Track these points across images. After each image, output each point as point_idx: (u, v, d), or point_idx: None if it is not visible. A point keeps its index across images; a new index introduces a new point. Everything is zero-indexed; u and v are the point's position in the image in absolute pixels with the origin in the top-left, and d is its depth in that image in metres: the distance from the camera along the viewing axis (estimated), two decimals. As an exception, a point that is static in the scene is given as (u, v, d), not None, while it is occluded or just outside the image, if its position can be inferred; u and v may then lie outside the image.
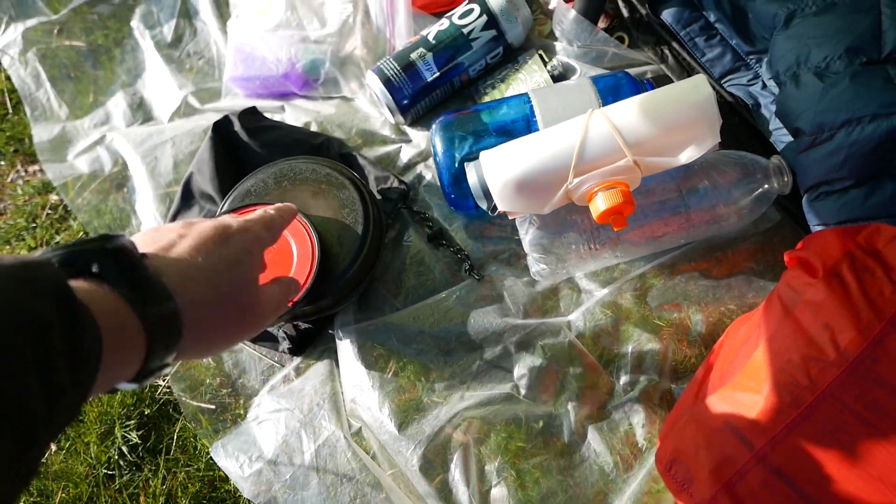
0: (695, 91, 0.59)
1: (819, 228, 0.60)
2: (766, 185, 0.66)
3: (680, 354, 0.67)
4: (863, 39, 0.55)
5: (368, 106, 0.87)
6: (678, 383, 0.66)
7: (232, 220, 0.43)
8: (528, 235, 0.67)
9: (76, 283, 0.29)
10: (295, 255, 0.66)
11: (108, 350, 0.29)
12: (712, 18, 0.73)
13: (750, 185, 0.66)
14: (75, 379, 0.26)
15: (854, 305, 0.47)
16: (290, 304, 0.64)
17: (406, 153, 0.82)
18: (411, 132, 0.84)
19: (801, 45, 0.59)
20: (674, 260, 0.71)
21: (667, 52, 0.77)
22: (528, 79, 0.80)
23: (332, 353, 0.72)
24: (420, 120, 0.84)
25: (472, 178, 0.66)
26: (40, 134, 0.95)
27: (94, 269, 0.31)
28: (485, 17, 0.79)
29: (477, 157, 0.67)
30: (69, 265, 0.31)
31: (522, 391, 0.67)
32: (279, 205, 0.51)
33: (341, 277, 0.67)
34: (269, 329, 0.73)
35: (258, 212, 0.47)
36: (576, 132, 0.61)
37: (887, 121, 0.54)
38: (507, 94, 0.80)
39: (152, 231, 0.39)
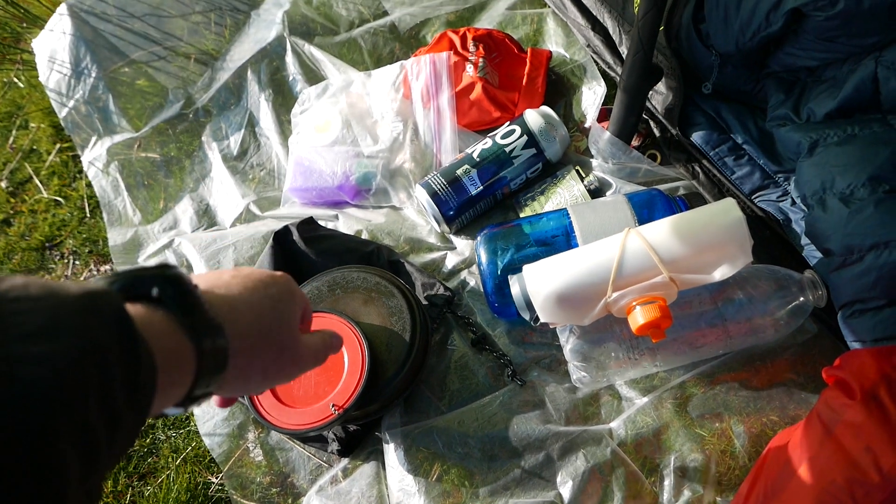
0: (725, 214, 0.63)
1: (856, 345, 0.61)
2: (802, 298, 0.68)
3: (724, 466, 0.67)
4: (884, 169, 0.59)
5: (416, 215, 0.93)
6: (723, 496, 0.66)
7: (278, 273, 0.47)
8: (568, 344, 0.70)
9: (134, 308, 0.31)
10: (346, 363, 0.70)
11: (162, 372, 0.30)
12: (740, 140, 0.78)
13: (785, 298, 0.68)
14: (133, 406, 0.28)
15: (894, 429, 0.48)
16: (339, 411, 0.68)
17: (451, 260, 0.87)
18: (456, 240, 0.89)
19: (825, 173, 0.63)
20: (713, 369, 0.72)
21: (698, 168, 0.82)
22: (567, 192, 0.85)
23: (379, 455, 0.75)
24: (464, 229, 0.90)
25: (515, 290, 0.70)
26: (115, 237, 1.04)
27: (154, 293, 0.33)
28: (525, 137, 0.86)
29: (519, 268, 0.71)
30: (130, 288, 0.33)
31: (566, 499, 0.67)
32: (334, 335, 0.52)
33: (389, 383, 0.70)
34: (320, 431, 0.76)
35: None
36: (614, 249, 0.65)
37: (914, 245, 0.56)
38: (547, 207, 0.86)
39: (206, 273, 0.43)
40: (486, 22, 1.09)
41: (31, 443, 0.22)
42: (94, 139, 1.13)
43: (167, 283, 0.34)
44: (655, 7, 0.67)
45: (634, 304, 0.63)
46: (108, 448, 0.26)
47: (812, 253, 0.70)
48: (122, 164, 1.11)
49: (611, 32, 0.90)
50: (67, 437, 0.23)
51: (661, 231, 0.65)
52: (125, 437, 0.28)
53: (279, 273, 0.46)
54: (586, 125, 0.93)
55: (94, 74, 1.14)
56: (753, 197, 0.78)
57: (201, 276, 0.41)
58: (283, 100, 1.10)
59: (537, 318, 0.68)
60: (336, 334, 0.51)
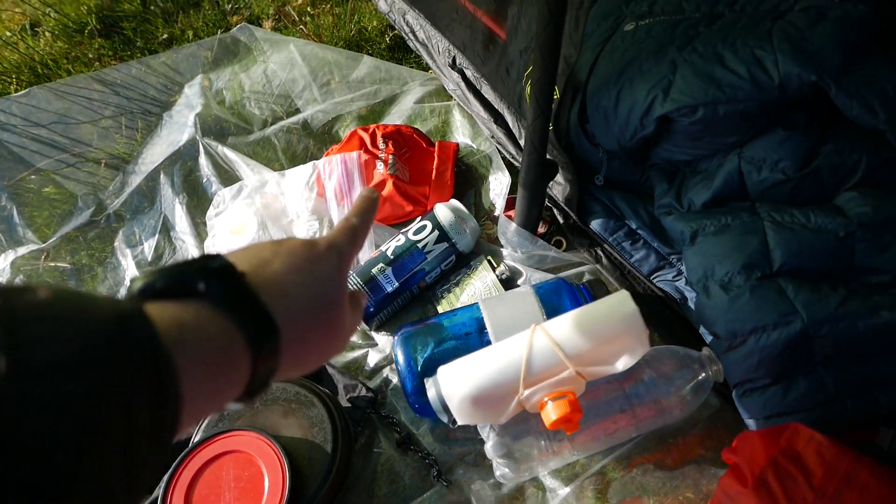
0: (621, 307, 0.67)
1: (751, 422, 0.65)
2: (703, 374, 0.72)
3: (647, 550, 0.69)
4: (754, 257, 0.65)
5: (336, 312, 0.93)
6: (649, 582, 0.67)
7: (319, 238, 0.43)
8: (489, 441, 0.71)
9: (180, 309, 0.30)
10: (266, 482, 0.68)
11: (217, 374, 0.29)
12: (634, 226, 0.83)
13: (687, 376, 0.72)
14: (156, 449, 0.25)
15: (783, 515, 0.51)
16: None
17: (373, 358, 0.88)
18: (377, 337, 0.90)
19: (706, 261, 0.68)
20: (630, 451, 0.75)
21: (600, 252, 0.87)
22: (480, 283, 0.88)
23: (306, 575, 0.72)
24: (385, 325, 0.90)
25: (431, 394, 0.71)
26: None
27: (201, 287, 0.31)
28: (437, 232, 0.89)
29: (437, 365, 0.72)
30: (174, 286, 0.31)
31: None
32: (359, 203, 0.48)
33: (312, 500, 0.69)
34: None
35: (341, 221, 0.46)
36: (522, 347, 0.68)
37: (787, 328, 0.61)
38: (462, 298, 0.88)
39: (245, 250, 0.39)
40: (396, 116, 1.14)
41: (45, 495, 0.20)
42: (-4, 253, 1.09)
43: (213, 277, 0.32)
44: (543, 114, 0.72)
45: (546, 399, 0.65)
46: (128, 494, 0.24)
47: (706, 331, 0.74)
48: (28, 277, 1.07)
49: (510, 126, 0.96)
50: (84, 488, 0.21)
51: (565, 327, 0.68)
52: (145, 482, 0.25)
53: (325, 244, 0.42)
54: (495, 214, 0.97)
55: (-4, 186, 1.11)
56: (652, 277, 0.83)
57: (240, 253, 0.38)
58: (198, 202, 1.10)
59: (455, 422, 0.69)
60: (358, 291, 0.49)
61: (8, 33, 1.48)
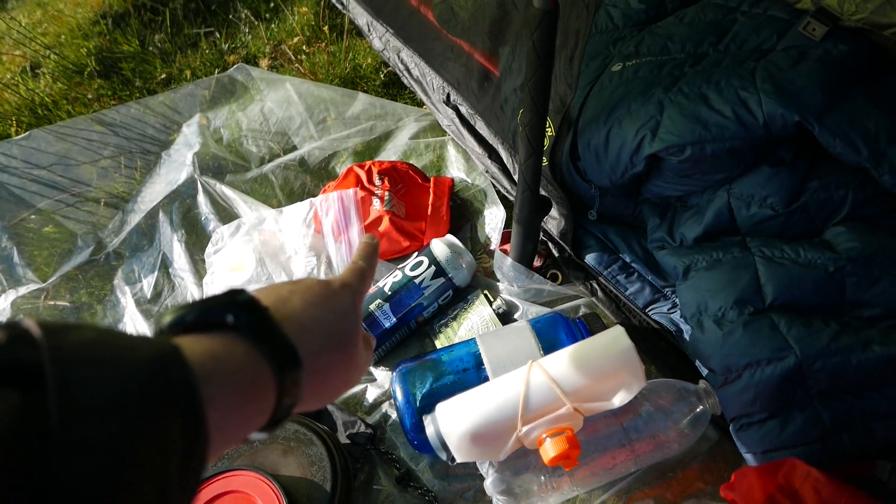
0: (616, 343, 0.67)
1: (749, 457, 0.66)
2: (700, 407, 0.72)
3: (649, 587, 0.69)
4: (746, 292, 0.66)
5: (334, 349, 0.94)
6: None
7: (332, 278, 0.45)
8: (488, 478, 0.71)
9: (211, 341, 0.31)
10: (266, 524, 0.68)
11: (246, 403, 0.30)
12: (628, 259, 0.84)
13: (685, 409, 0.72)
14: (185, 487, 0.26)
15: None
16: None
17: (371, 393, 0.88)
18: (376, 372, 0.90)
19: (699, 296, 0.69)
20: (629, 485, 0.75)
21: (596, 285, 0.88)
22: (477, 318, 0.89)
23: None
24: (384, 360, 0.91)
25: (430, 432, 0.71)
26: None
27: (229, 320, 0.33)
28: (433, 268, 0.90)
29: (436, 401, 0.72)
30: (204, 319, 0.32)
31: None
32: (362, 249, 0.50)
33: (312, 541, 0.69)
34: None
35: (349, 265, 0.49)
36: (519, 384, 0.68)
37: (781, 363, 0.62)
38: (459, 333, 0.89)
39: (264, 289, 0.41)
40: (392, 151, 1.15)
41: None
42: (-3, 293, 1.09)
43: (241, 310, 0.33)
44: (535, 153, 0.74)
45: (544, 436, 0.66)
46: None
47: (701, 365, 0.75)
48: (27, 315, 1.07)
49: (505, 161, 0.98)
50: None
51: (561, 363, 0.68)
52: None
53: (338, 283, 0.44)
54: (491, 248, 0.98)
55: (-4, 227, 1.12)
56: (647, 310, 0.84)
57: (260, 291, 0.39)
58: (197, 239, 1.10)
59: (454, 458, 0.69)
60: (368, 334, 0.51)
61: (9, 75, 1.51)
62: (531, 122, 0.69)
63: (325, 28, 1.43)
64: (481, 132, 1.03)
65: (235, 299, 0.34)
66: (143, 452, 0.23)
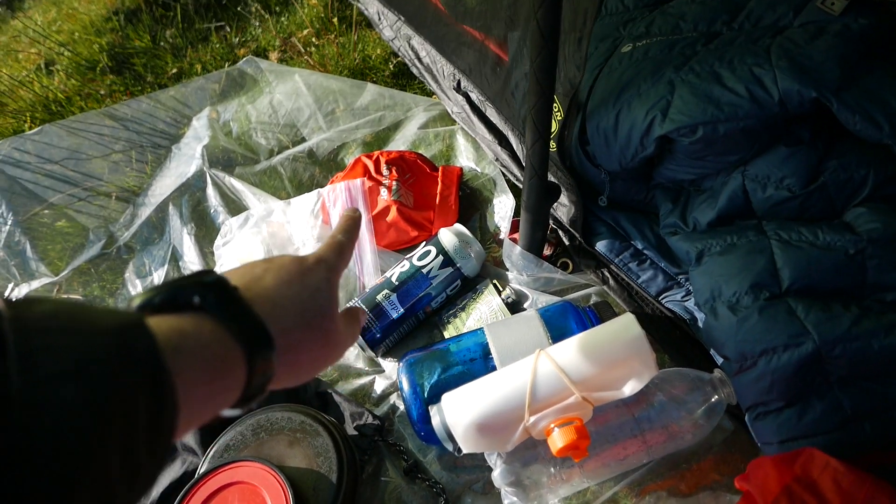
0: (626, 330, 0.65)
1: (766, 447, 0.63)
2: (716, 397, 0.70)
3: (662, 581, 0.67)
4: (762, 276, 0.63)
5: (342, 340, 0.93)
6: None
7: (307, 254, 0.45)
8: (497, 469, 0.70)
9: (178, 320, 0.31)
10: (271, 515, 0.68)
11: (213, 379, 0.31)
12: (640, 246, 0.82)
13: (699, 398, 0.70)
14: (153, 454, 0.26)
15: (799, 546, 0.49)
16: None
17: (380, 384, 0.87)
18: (384, 363, 0.89)
19: (713, 281, 0.66)
20: (642, 477, 0.73)
21: (607, 273, 0.86)
22: (486, 307, 0.87)
23: None
24: (392, 351, 0.90)
25: (436, 422, 0.70)
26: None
27: (196, 300, 0.33)
28: (441, 257, 0.88)
29: (443, 391, 0.71)
30: (172, 300, 0.33)
31: None
32: (342, 222, 0.50)
33: (318, 532, 0.68)
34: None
35: (328, 239, 0.48)
36: (527, 373, 0.66)
37: (798, 349, 0.60)
38: (468, 323, 0.87)
39: (238, 268, 0.41)
40: (401, 142, 1.14)
41: (52, 496, 0.21)
42: (10, 286, 1.10)
43: (208, 290, 0.34)
44: (541, 137, 0.72)
45: (552, 426, 0.64)
46: (126, 499, 0.25)
47: (716, 353, 0.73)
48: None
49: (514, 148, 0.96)
50: (84, 493, 0.22)
51: (569, 351, 0.66)
52: (142, 487, 0.26)
53: (313, 259, 0.44)
54: (500, 236, 0.96)
55: (9, 222, 1.13)
56: (660, 298, 0.81)
57: (233, 271, 0.40)
58: (206, 231, 1.10)
59: (460, 450, 0.68)
60: (356, 308, 0.50)
61: (24, 73, 1.52)
62: (537, 106, 0.67)
63: (335, 20, 1.42)
64: (492, 119, 1.01)
65: (203, 280, 0.34)
66: (107, 417, 0.23)
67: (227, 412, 0.35)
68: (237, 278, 0.38)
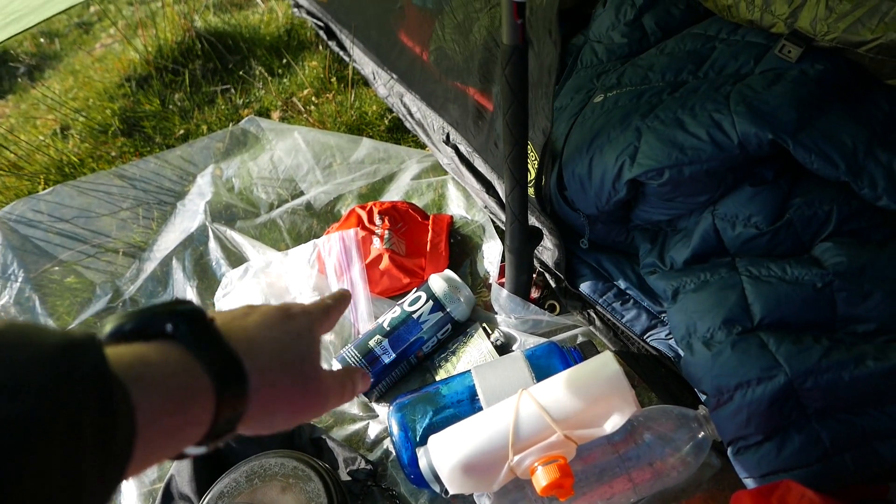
0: (604, 368, 0.67)
1: (748, 481, 0.64)
2: (702, 433, 0.71)
3: None
4: (734, 311, 0.65)
5: (337, 386, 0.95)
6: None
7: (293, 303, 0.44)
8: (484, 511, 0.70)
9: (144, 347, 0.31)
10: (261, 562, 0.68)
11: (178, 410, 0.30)
12: (623, 286, 0.84)
13: (684, 436, 0.71)
14: (104, 476, 0.25)
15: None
16: None
17: (374, 429, 0.88)
18: (378, 408, 0.90)
19: (688, 318, 0.68)
20: (632, 517, 0.73)
21: (593, 314, 0.88)
22: (475, 351, 0.89)
23: None
24: (385, 396, 0.91)
25: (422, 464, 0.71)
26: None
27: (168, 329, 0.32)
28: (431, 302, 0.91)
29: (434, 433, 0.72)
30: (145, 327, 0.32)
31: None
32: (334, 293, 0.50)
33: (308, 578, 0.68)
34: None
35: (316, 300, 0.48)
36: (509, 413, 0.68)
37: (771, 382, 0.61)
38: (459, 366, 0.89)
39: (222, 312, 0.40)
40: (395, 192, 1.19)
41: None
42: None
43: (181, 319, 0.33)
44: (519, 184, 0.76)
45: (536, 464, 0.65)
46: None
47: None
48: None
49: (501, 196, 1.00)
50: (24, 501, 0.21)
51: (551, 390, 0.68)
52: None
53: (298, 308, 0.44)
54: (490, 281, 0.99)
55: (20, 279, 1.17)
56: (645, 336, 0.83)
57: (217, 313, 0.39)
58: (208, 284, 1.14)
59: (447, 491, 0.68)
60: (361, 370, 0.49)
61: (41, 137, 1.60)
62: (512, 154, 0.71)
63: (333, 79, 1.50)
64: (479, 168, 1.05)
65: (177, 308, 0.34)
66: (45, 432, 0.23)
67: (191, 450, 0.34)
68: (219, 317, 0.38)
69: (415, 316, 0.90)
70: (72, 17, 2.36)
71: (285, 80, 1.60)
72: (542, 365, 0.78)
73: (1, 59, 2.15)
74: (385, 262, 1.00)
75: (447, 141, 1.12)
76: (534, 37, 0.69)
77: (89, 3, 2.28)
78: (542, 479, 0.64)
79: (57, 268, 1.22)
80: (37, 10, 1.37)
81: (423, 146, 1.28)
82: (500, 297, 0.90)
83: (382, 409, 0.90)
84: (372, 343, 0.89)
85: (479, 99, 1.02)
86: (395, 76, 1.26)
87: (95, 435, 0.25)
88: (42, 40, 2.24)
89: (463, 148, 1.08)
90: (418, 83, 1.19)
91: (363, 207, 1.08)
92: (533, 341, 0.88)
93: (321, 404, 0.43)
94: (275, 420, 0.39)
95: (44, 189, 1.37)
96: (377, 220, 1.05)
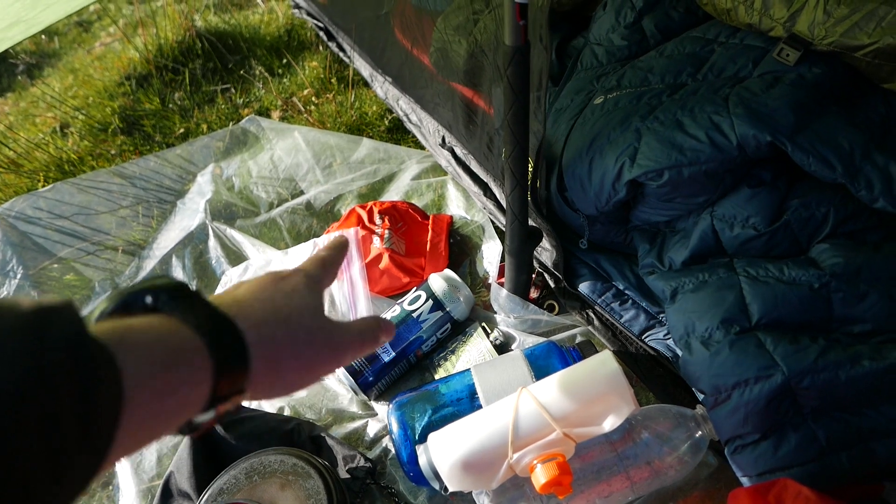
0: (603, 366, 0.68)
1: (745, 480, 0.64)
2: (699, 433, 0.71)
3: None
4: (732, 311, 0.66)
5: (337, 384, 0.95)
6: None
7: (285, 269, 0.43)
8: (483, 509, 0.71)
9: (128, 320, 0.30)
10: (261, 558, 0.69)
11: (169, 369, 0.29)
12: (621, 287, 0.85)
13: (682, 435, 0.71)
14: (85, 446, 0.24)
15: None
16: None
17: (373, 428, 0.89)
18: (377, 406, 0.91)
19: (686, 318, 0.69)
20: (629, 515, 0.73)
21: (592, 314, 0.88)
22: (475, 350, 0.90)
23: None
24: (384, 394, 0.92)
25: (422, 462, 0.71)
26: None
27: (148, 301, 0.32)
28: (431, 301, 0.91)
29: (432, 431, 0.73)
30: (128, 304, 0.31)
31: None
32: (330, 242, 0.49)
33: (307, 575, 0.69)
34: None
35: (311, 256, 0.47)
36: (509, 411, 0.68)
37: (769, 381, 0.61)
38: (458, 365, 0.89)
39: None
40: (395, 192, 1.19)
41: None
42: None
43: (161, 290, 0.32)
44: (520, 184, 0.76)
45: (535, 462, 0.66)
46: (53, 497, 0.23)
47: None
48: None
49: (498, 198, 1.00)
50: None
51: (550, 389, 0.68)
52: (73, 484, 0.24)
53: (289, 270, 0.43)
54: (489, 281, 0.99)
55: (19, 275, 1.17)
56: (643, 337, 0.83)
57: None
58: (208, 282, 1.14)
59: (446, 488, 0.69)
60: (384, 318, 0.47)
61: (40, 135, 1.60)
62: (513, 154, 0.72)
63: (333, 80, 1.50)
64: (476, 171, 1.06)
65: (155, 283, 0.33)
66: (24, 399, 0.22)
67: (200, 417, 0.32)
68: (209, 296, 0.37)
69: (414, 315, 0.91)
70: (71, 16, 2.36)
71: (285, 79, 1.60)
72: (542, 364, 0.79)
73: (0, 57, 2.15)
74: (385, 262, 1.00)
75: (443, 144, 1.12)
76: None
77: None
78: (541, 476, 0.64)
79: (56, 265, 1.22)
80: (44, 11, 1.37)
81: (423, 147, 1.28)
82: (500, 296, 0.91)
83: (382, 408, 0.91)
84: (372, 341, 0.89)
85: (476, 100, 1.03)
86: (388, 79, 1.27)
87: (75, 398, 0.24)
88: (42, 38, 2.24)
89: (458, 150, 1.08)
90: (410, 87, 1.19)
91: (363, 207, 1.09)
92: (532, 341, 0.88)
93: (336, 356, 0.41)
94: (286, 378, 0.38)
95: (43, 186, 1.37)
96: (377, 220, 1.05)
